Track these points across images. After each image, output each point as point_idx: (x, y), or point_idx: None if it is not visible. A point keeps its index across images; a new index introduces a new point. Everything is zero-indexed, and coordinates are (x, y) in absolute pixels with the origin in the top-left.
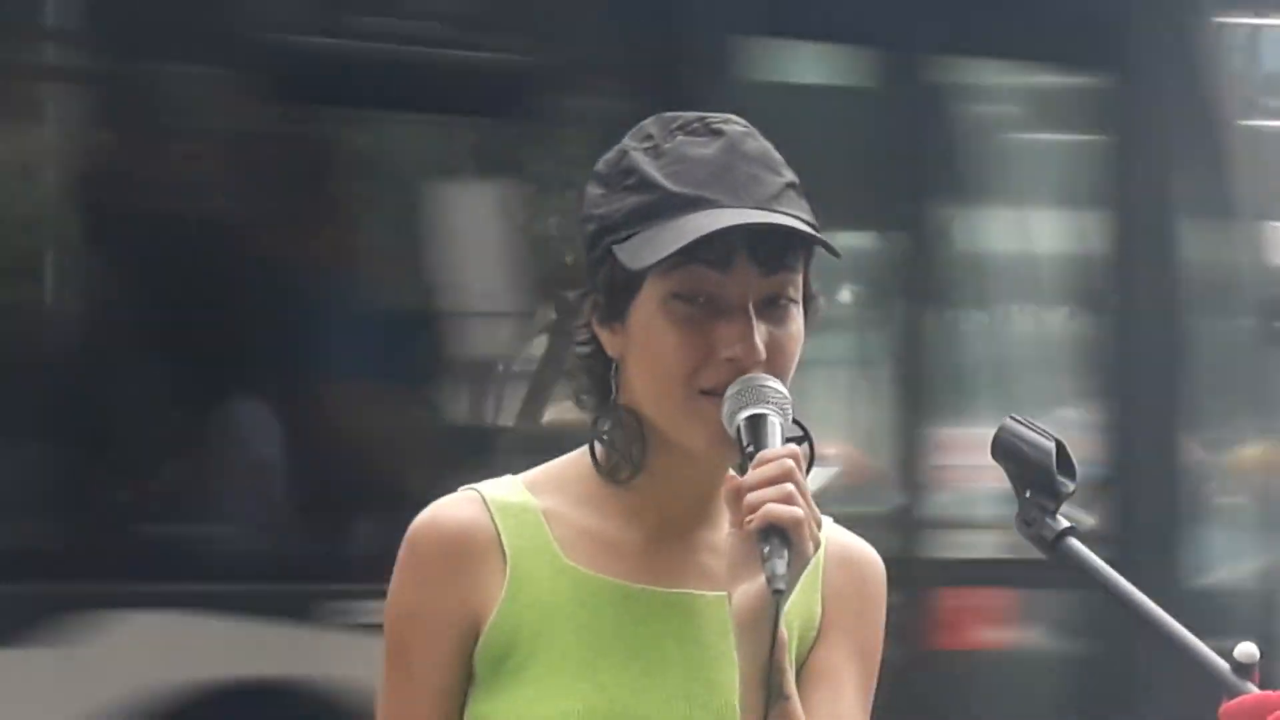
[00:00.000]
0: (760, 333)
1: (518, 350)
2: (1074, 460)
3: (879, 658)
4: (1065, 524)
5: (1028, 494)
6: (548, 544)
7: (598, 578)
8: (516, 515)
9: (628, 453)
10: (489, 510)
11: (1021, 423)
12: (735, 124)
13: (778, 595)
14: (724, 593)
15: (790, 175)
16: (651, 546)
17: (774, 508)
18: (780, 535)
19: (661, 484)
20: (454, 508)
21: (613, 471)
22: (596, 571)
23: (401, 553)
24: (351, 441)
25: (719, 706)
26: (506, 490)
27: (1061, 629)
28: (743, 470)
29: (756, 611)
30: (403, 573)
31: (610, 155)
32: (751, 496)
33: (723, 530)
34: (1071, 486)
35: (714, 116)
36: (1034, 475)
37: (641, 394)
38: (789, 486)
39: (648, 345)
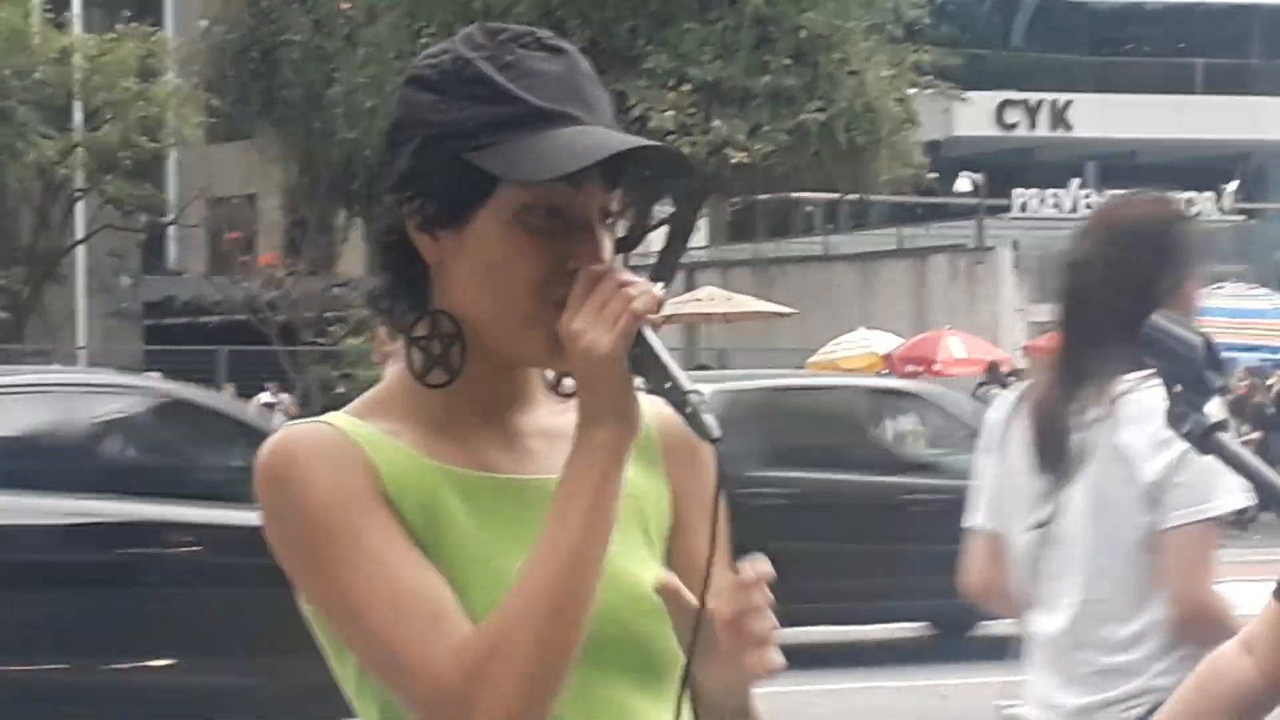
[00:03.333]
0: (604, 245)
1: None
2: (1220, 356)
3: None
4: (1214, 418)
5: (1177, 389)
6: (405, 450)
7: (465, 472)
8: (362, 433)
9: (446, 357)
10: (338, 429)
11: (1169, 319)
12: (565, 42)
13: (717, 444)
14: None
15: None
16: (488, 436)
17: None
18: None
19: (478, 383)
20: (306, 427)
21: (427, 376)
22: (460, 466)
23: (280, 463)
24: None
25: (608, 575)
26: (336, 419)
27: None
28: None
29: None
30: (295, 474)
31: (439, 60)
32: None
33: (536, 413)
34: (1220, 381)
35: (540, 32)
36: (1182, 370)
37: (471, 302)
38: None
39: (492, 255)
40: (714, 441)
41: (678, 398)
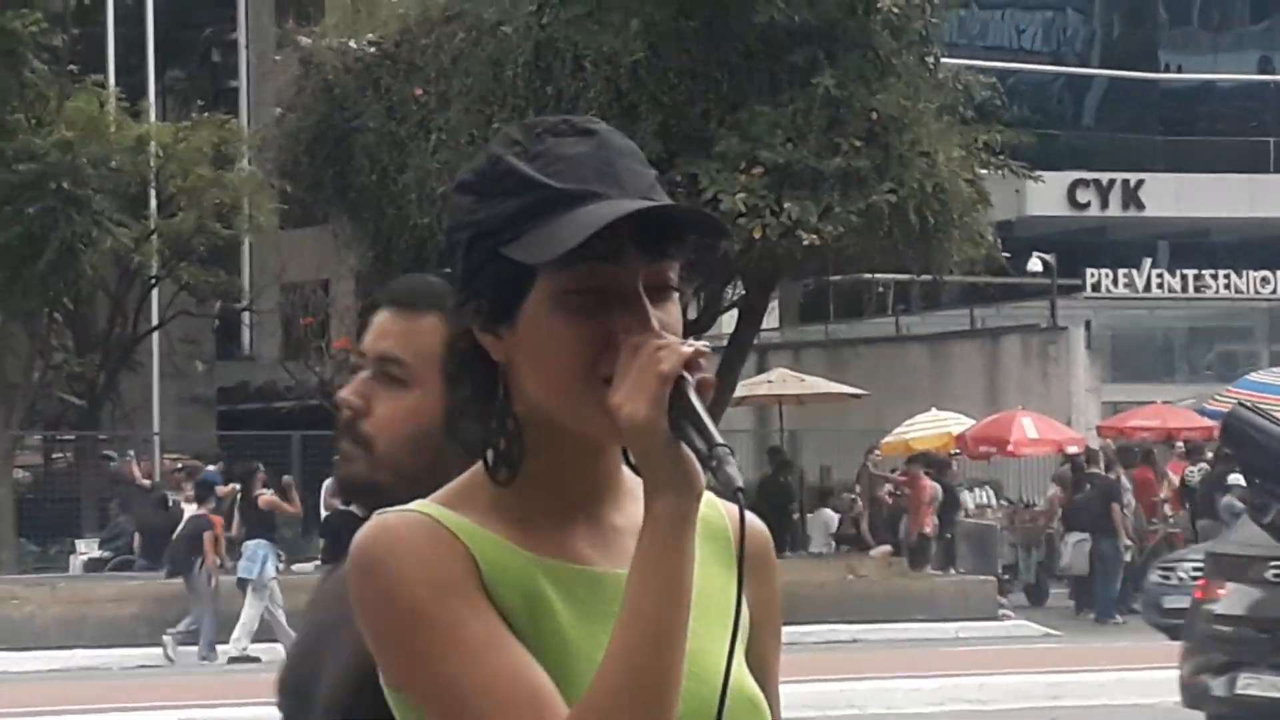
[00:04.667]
0: (653, 314)
1: None
2: None
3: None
4: None
5: (1257, 481)
6: (499, 541)
7: (560, 564)
8: (454, 521)
9: (508, 454)
10: (433, 518)
11: (1252, 409)
12: (598, 123)
13: (739, 494)
14: None
15: (652, 170)
16: (578, 530)
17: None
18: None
19: (562, 476)
20: (399, 515)
21: (496, 472)
22: (554, 558)
23: (376, 553)
24: None
25: (700, 671)
26: (428, 508)
27: None
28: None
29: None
30: (392, 564)
31: (477, 164)
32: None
33: (626, 511)
34: None
35: (576, 119)
36: (1265, 463)
37: (537, 393)
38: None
39: (543, 343)
40: (736, 491)
41: (704, 453)
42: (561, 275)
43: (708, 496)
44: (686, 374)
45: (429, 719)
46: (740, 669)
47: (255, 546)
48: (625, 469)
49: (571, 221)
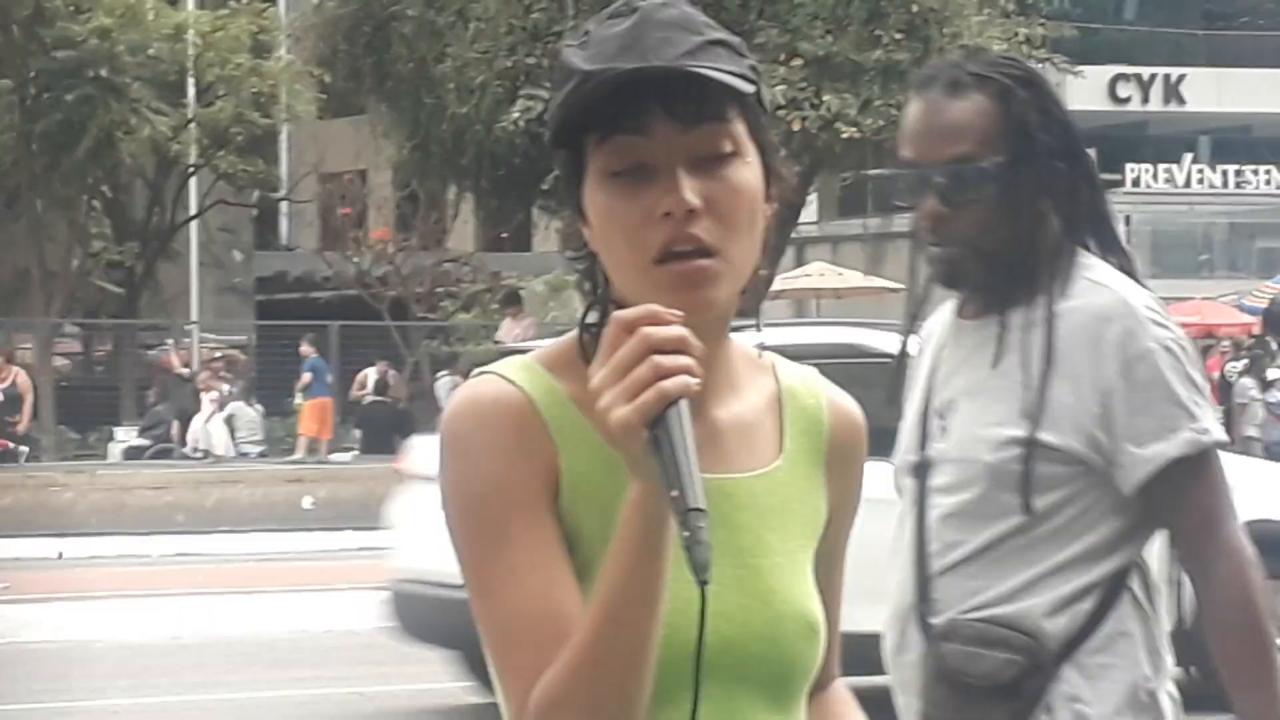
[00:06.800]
0: (690, 186)
1: None
2: None
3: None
4: None
5: None
6: (589, 433)
7: None
8: (550, 401)
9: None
10: (526, 395)
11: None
12: (651, 1)
13: (704, 585)
14: (751, 472)
15: (719, 33)
16: None
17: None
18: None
19: None
20: (497, 387)
21: (592, 361)
22: None
23: (461, 431)
24: None
25: (763, 591)
26: (530, 375)
27: None
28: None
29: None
30: (472, 447)
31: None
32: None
33: (727, 406)
34: None
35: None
36: None
37: (615, 279)
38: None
39: (600, 225)
40: (702, 584)
41: (679, 512)
42: (599, 155)
43: (806, 376)
44: (684, 396)
45: (469, 597)
46: (803, 587)
47: None
48: (748, 348)
49: (576, 98)
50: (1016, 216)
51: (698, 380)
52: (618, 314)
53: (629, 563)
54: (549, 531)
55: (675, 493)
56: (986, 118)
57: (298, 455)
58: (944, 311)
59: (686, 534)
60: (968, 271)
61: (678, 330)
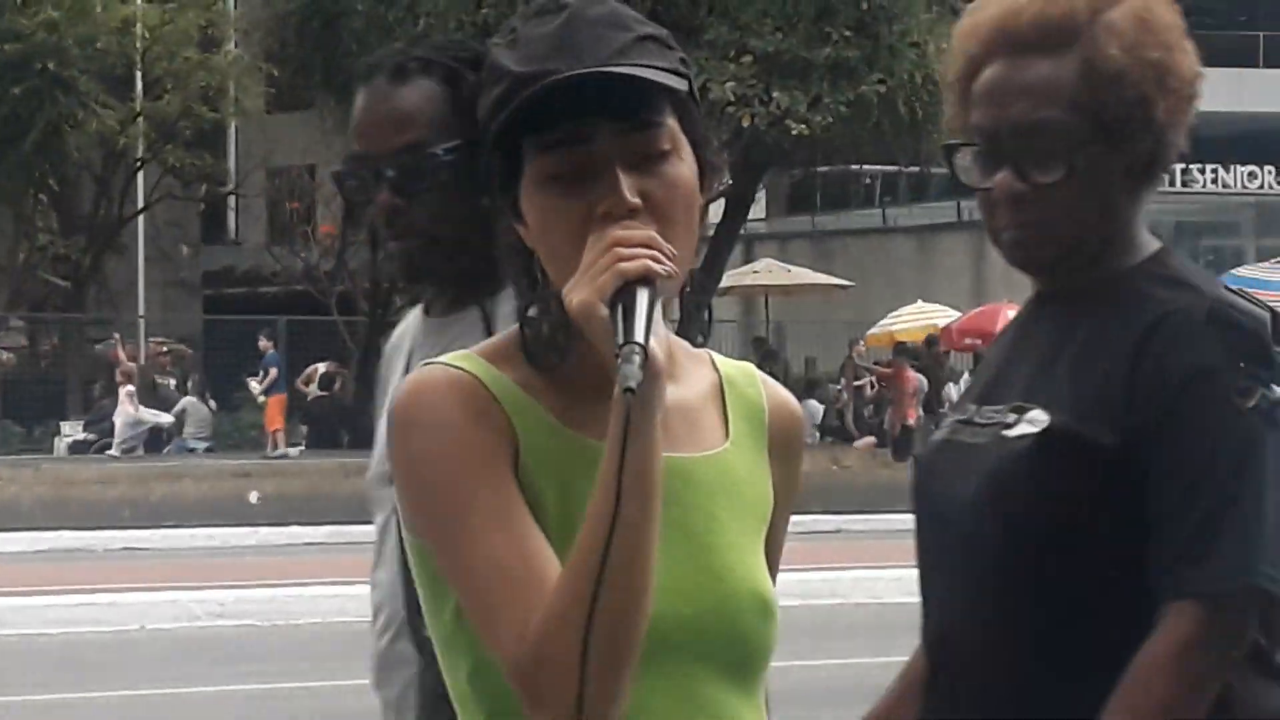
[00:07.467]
0: (630, 186)
1: None
2: None
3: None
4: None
5: (1241, 364)
6: (542, 415)
7: (598, 445)
8: (500, 385)
9: (553, 339)
10: (476, 378)
11: (1235, 292)
12: None
13: (628, 394)
14: (701, 453)
15: (648, 28)
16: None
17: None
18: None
19: (595, 354)
20: (446, 372)
21: (534, 357)
22: (597, 439)
23: (419, 406)
24: None
25: (718, 568)
26: (475, 364)
27: None
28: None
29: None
30: (433, 419)
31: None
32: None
33: (671, 392)
34: None
35: None
36: (1249, 345)
37: (555, 277)
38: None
39: (538, 227)
40: (626, 391)
41: (616, 349)
42: (540, 158)
43: (742, 368)
44: (651, 276)
45: (438, 565)
46: (756, 567)
47: None
48: (683, 341)
49: (511, 105)
50: (476, 202)
51: (665, 268)
52: (597, 232)
53: (619, 467)
54: (515, 492)
55: (620, 339)
56: (434, 103)
57: (280, 450)
58: (413, 314)
59: (617, 356)
60: (430, 265)
61: (645, 231)
